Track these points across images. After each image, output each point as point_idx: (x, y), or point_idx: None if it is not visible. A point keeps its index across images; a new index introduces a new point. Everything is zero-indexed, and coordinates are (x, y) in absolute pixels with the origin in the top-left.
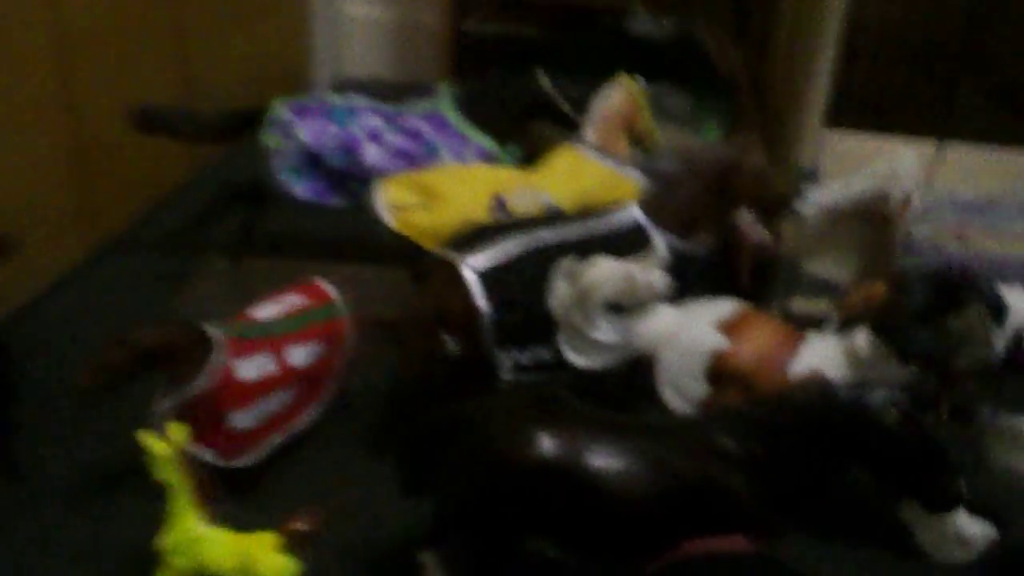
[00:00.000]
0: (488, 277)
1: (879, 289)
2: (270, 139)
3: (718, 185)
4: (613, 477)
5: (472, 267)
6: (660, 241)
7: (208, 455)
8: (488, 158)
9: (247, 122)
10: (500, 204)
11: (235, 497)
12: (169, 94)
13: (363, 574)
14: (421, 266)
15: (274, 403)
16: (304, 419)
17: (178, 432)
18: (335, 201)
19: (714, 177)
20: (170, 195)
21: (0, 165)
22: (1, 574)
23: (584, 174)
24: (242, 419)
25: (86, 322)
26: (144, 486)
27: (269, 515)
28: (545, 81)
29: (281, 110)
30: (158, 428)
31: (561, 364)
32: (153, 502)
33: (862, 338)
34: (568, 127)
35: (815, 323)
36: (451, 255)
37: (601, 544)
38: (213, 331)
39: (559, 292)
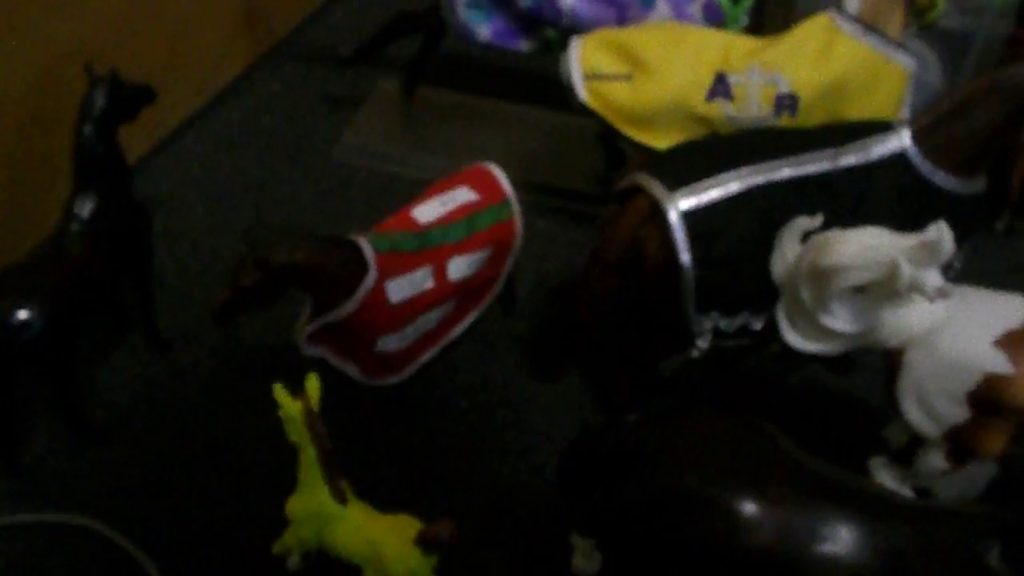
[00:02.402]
0: (697, 221)
1: None
2: None
3: None
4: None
5: (679, 208)
6: (938, 181)
7: (352, 371)
8: (716, 18)
9: None
10: (723, 85)
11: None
12: None
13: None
14: (613, 188)
15: (429, 321)
16: (459, 330)
17: (313, 387)
18: (522, 46)
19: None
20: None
21: None
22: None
23: (838, 56)
24: (392, 342)
25: (251, 144)
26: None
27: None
28: None
29: None
30: (301, 349)
31: (768, 336)
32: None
33: None
34: None
35: None
36: (653, 185)
37: None
38: (366, 248)
39: (788, 257)
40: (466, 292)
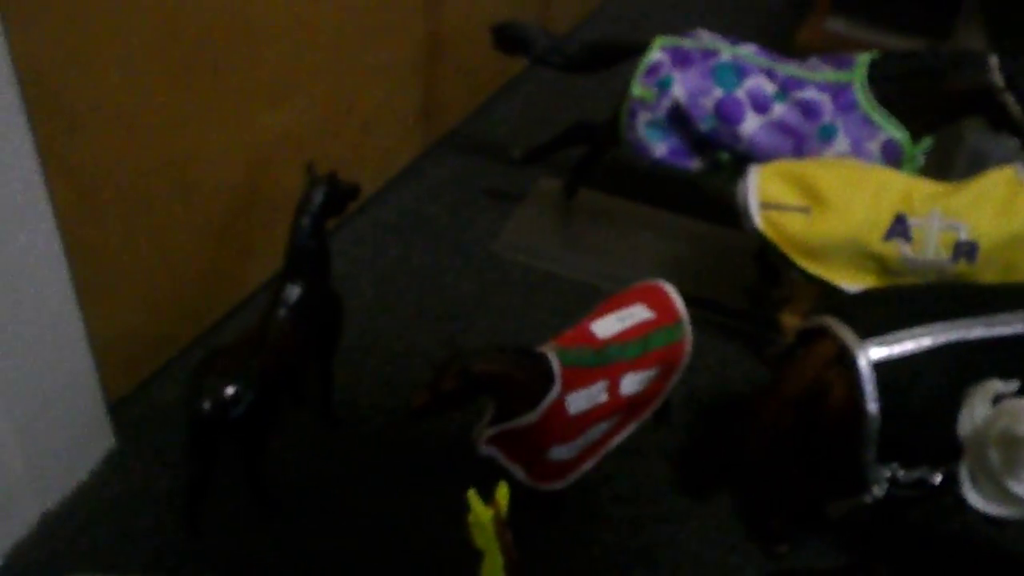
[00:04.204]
0: (887, 373)
1: None
2: (640, 89)
3: None
4: None
5: (870, 357)
6: None
7: (520, 474)
8: (895, 156)
9: (614, 58)
10: (902, 226)
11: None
12: (527, 12)
13: None
14: (800, 332)
15: (596, 433)
16: (618, 440)
17: (503, 496)
18: (692, 165)
19: None
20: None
21: (365, 64)
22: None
23: (1021, 210)
24: (564, 451)
25: (416, 230)
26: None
27: None
28: (996, 71)
29: (659, 54)
30: (477, 450)
31: (943, 490)
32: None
33: None
34: (1013, 135)
35: None
36: (842, 330)
37: None
38: (553, 362)
39: (977, 418)
40: (632, 406)
